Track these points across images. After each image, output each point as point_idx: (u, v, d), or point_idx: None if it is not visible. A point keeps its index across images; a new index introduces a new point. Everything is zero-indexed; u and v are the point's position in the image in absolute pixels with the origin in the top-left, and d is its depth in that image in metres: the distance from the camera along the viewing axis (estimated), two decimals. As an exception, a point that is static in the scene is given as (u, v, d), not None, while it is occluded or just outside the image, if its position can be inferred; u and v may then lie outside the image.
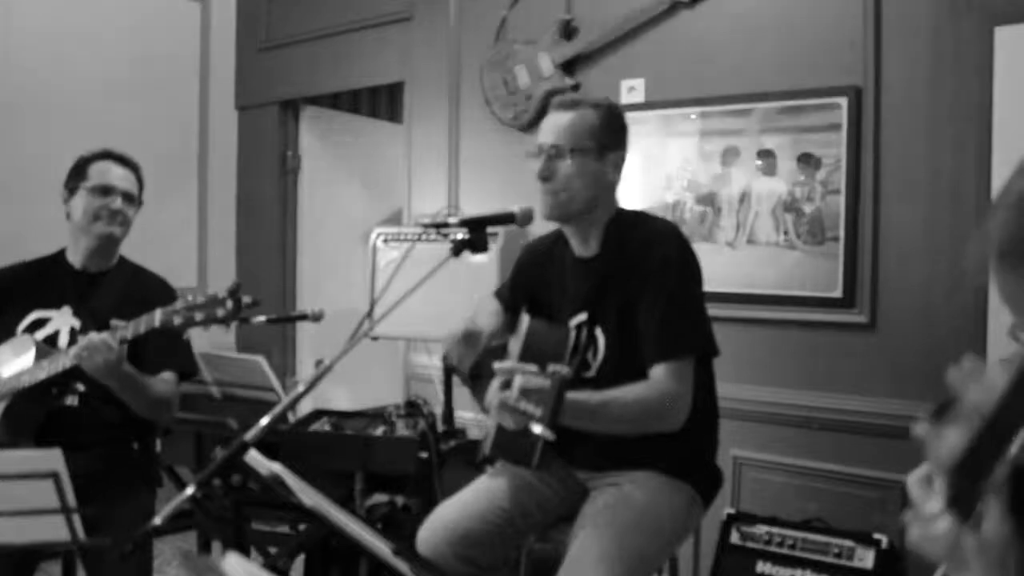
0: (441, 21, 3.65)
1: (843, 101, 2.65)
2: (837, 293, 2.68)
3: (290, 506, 1.54)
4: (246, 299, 1.98)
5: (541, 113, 2.12)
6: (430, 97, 3.71)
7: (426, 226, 2.03)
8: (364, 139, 4.78)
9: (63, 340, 2.27)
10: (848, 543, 2.36)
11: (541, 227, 2.15)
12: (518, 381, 1.68)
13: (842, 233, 2.67)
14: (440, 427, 2.84)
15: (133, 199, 2.36)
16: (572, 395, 1.71)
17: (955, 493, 0.70)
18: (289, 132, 4.44)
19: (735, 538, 2.51)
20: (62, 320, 2.30)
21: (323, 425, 2.73)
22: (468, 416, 3.05)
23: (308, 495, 1.48)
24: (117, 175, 2.34)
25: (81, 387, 2.20)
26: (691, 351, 1.91)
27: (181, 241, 4.30)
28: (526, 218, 1.97)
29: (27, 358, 2.15)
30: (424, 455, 2.57)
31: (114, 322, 2.05)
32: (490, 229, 1.95)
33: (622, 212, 2.06)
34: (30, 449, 1.97)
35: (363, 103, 4.87)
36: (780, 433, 2.79)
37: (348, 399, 3.63)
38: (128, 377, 2.12)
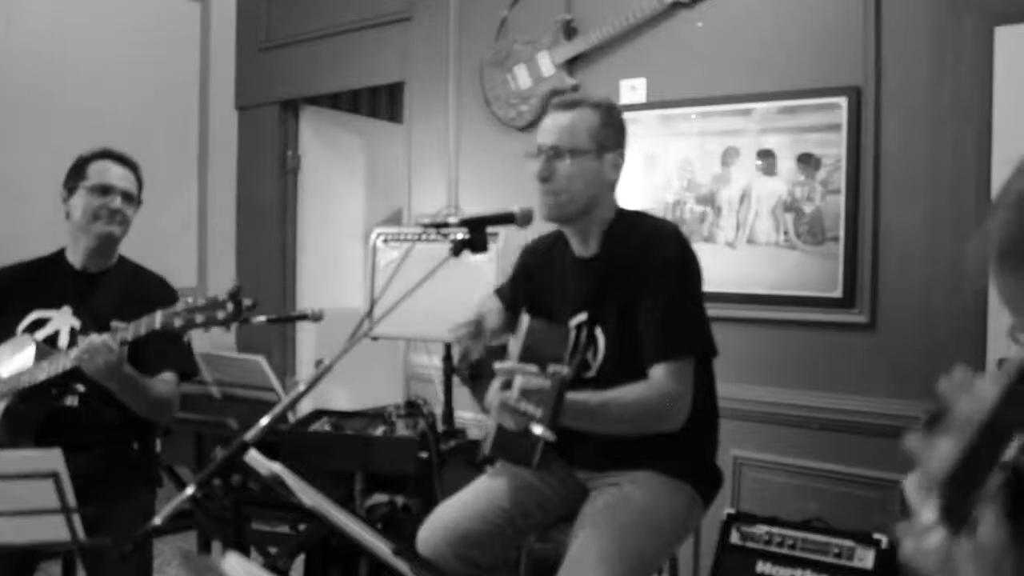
0: (441, 21, 3.65)
1: (843, 101, 2.65)
2: (837, 293, 2.68)
3: (290, 506, 1.54)
4: (246, 301, 1.98)
5: (541, 113, 2.12)
6: (430, 97, 3.71)
7: (426, 226, 2.03)
8: (364, 139, 4.78)
9: (63, 340, 2.27)
10: (848, 543, 2.36)
11: (541, 227, 2.15)
12: (518, 382, 1.68)
13: (842, 233, 2.67)
14: (440, 427, 2.84)
15: (132, 198, 2.36)
16: (572, 395, 1.71)
17: (947, 505, 0.70)
18: (289, 132, 4.44)
19: (735, 538, 2.51)
20: (62, 320, 2.30)
21: (323, 425, 2.73)
22: (468, 416, 3.05)
23: (308, 495, 1.48)
24: (116, 174, 2.33)
25: (81, 387, 2.19)
26: (691, 351, 1.92)
27: (181, 241, 4.30)
28: (526, 218, 1.97)
29: (27, 358, 2.15)
30: (424, 455, 2.57)
31: (114, 323, 2.05)
32: (490, 229, 1.95)
33: (622, 212, 2.06)
34: (30, 449, 1.97)
35: (363, 103, 4.87)
36: (780, 433, 2.79)
37: (348, 399, 3.63)
38: (128, 378, 2.12)
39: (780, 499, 2.72)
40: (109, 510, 1.98)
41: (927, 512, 0.71)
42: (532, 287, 2.16)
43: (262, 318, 2.75)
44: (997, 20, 2.41)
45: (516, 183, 2.92)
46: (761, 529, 2.48)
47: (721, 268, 2.85)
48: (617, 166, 2.04)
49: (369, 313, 1.79)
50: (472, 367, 2.03)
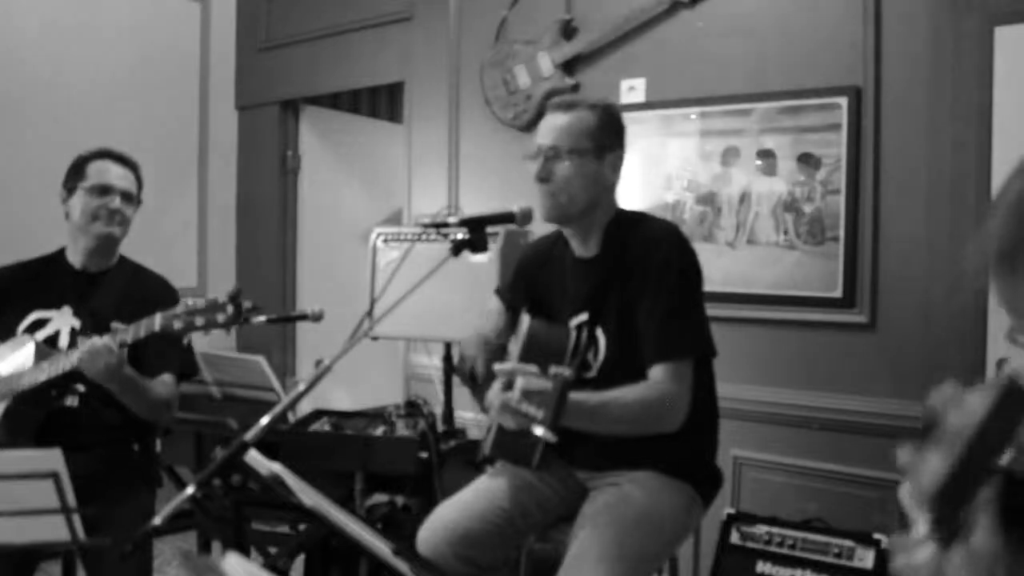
0: (441, 21, 3.65)
1: (843, 101, 2.65)
2: (837, 293, 2.68)
3: (290, 506, 1.53)
4: (246, 304, 1.98)
5: (541, 113, 2.11)
6: (430, 97, 3.71)
7: (426, 226, 2.03)
8: (364, 139, 4.78)
9: (63, 341, 2.27)
10: (848, 543, 2.36)
11: (541, 227, 2.15)
12: (520, 383, 1.68)
13: (842, 233, 2.67)
14: (440, 427, 2.84)
15: (132, 198, 2.36)
16: (572, 396, 1.70)
17: (937, 518, 0.70)
18: (289, 132, 4.44)
19: (735, 538, 2.51)
20: (62, 320, 2.30)
21: (323, 425, 2.73)
22: (468, 416, 3.05)
23: (308, 495, 1.48)
24: (115, 174, 2.33)
25: (81, 388, 2.19)
26: (690, 352, 1.92)
27: (181, 241, 4.30)
28: (526, 218, 1.97)
29: (27, 359, 2.15)
30: (424, 455, 2.57)
31: (115, 325, 2.05)
32: (490, 229, 1.95)
33: (622, 213, 2.06)
34: (30, 449, 1.97)
35: (363, 103, 4.87)
36: (780, 433, 2.79)
37: (348, 399, 3.63)
38: (128, 380, 2.12)
39: (780, 499, 2.72)
40: (109, 510, 1.98)
41: (918, 526, 0.72)
42: (532, 287, 2.16)
43: (262, 318, 2.73)
44: (997, 20, 2.41)
45: (516, 183, 2.91)
46: (761, 529, 2.48)
47: (721, 268, 2.85)
48: (616, 167, 2.03)
49: (369, 313, 1.79)
50: (481, 376, 2.02)
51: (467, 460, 2.63)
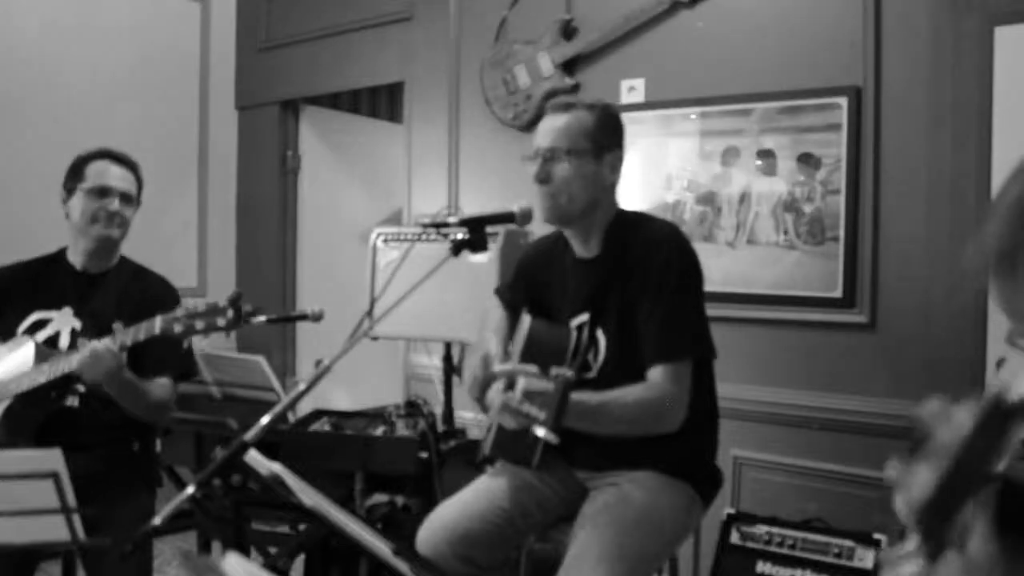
0: (441, 21, 3.65)
1: (843, 101, 2.65)
2: (837, 293, 2.68)
3: (290, 506, 1.53)
4: (247, 307, 1.98)
5: (541, 113, 2.11)
6: (430, 97, 3.71)
7: (426, 226, 2.03)
8: (364, 139, 4.78)
9: (64, 341, 2.26)
10: (848, 543, 2.36)
11: (541, 227, 2.15)
12: (521, 383, 1.68)
13: (842, 233, 2.67)
14: (440, 427, 2.84)
15: (131, 199, 2.35)
16: (572, 396, 1.71)
17: (925, 531, 0.71)
18: (289, 132, 4.44)
19: (735, 538, 2.51)
20: (63, 321, 2.30)
21: (323, 425, 2.73)
22: (468, 416, 3.05)
23: (308, 495, 1.48)
24: (115, 175, 2.32)
25: (81, 388, 2.19)
26: (689, 353, 1.92)
27: (181, 241, 4.30)
28: (526, 217, 1.97)
29: (27, 360, 2.15)
30: (424, 455, 2.57)
31: (116, 326, 2.05)
32: (490, 229, 1.95)
33: (623, 213, 2.06)
34: (30, 449, 1.97)
35: (363, 103, 4.87)
36: (780, 433, 2.79)
37: (348, 399, 3.63)
38: (128, 383, 2.12)
39: (780, 499, 2.72)
40: (109, 510, 1.98)
41: (909, 539, 0.72)
42: (533, 287, 2.16)
43: (262, 318, 2.74)
44: (997, 20, 2.41)
45: (516, 183, 2.91)
46: (761, 529, 2.48)
47: (721, 268, 2.85)
48: (615, 167, 2.03)
49: (369, 313, 1.78)
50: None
51: (467, 460, 2.63)
